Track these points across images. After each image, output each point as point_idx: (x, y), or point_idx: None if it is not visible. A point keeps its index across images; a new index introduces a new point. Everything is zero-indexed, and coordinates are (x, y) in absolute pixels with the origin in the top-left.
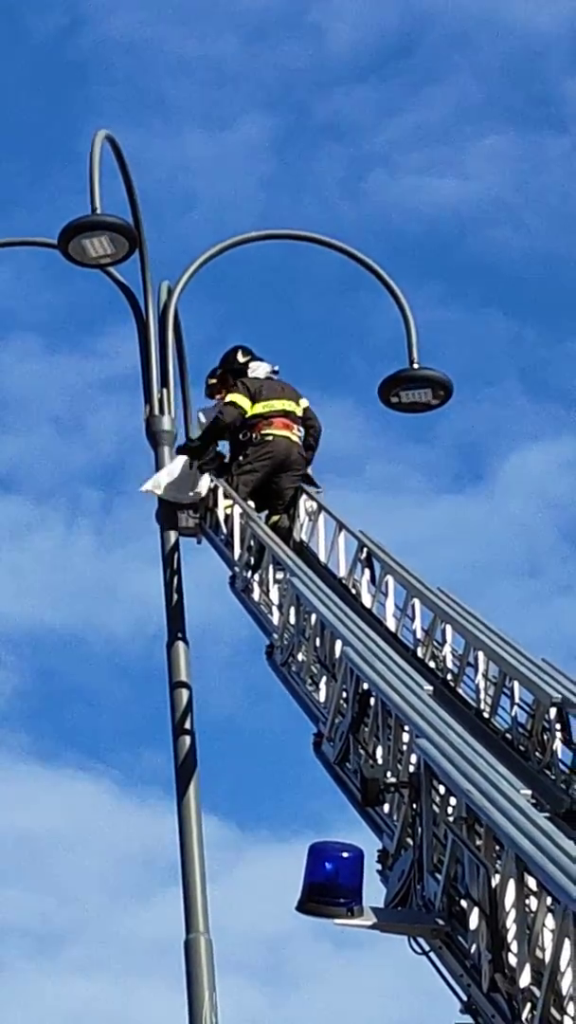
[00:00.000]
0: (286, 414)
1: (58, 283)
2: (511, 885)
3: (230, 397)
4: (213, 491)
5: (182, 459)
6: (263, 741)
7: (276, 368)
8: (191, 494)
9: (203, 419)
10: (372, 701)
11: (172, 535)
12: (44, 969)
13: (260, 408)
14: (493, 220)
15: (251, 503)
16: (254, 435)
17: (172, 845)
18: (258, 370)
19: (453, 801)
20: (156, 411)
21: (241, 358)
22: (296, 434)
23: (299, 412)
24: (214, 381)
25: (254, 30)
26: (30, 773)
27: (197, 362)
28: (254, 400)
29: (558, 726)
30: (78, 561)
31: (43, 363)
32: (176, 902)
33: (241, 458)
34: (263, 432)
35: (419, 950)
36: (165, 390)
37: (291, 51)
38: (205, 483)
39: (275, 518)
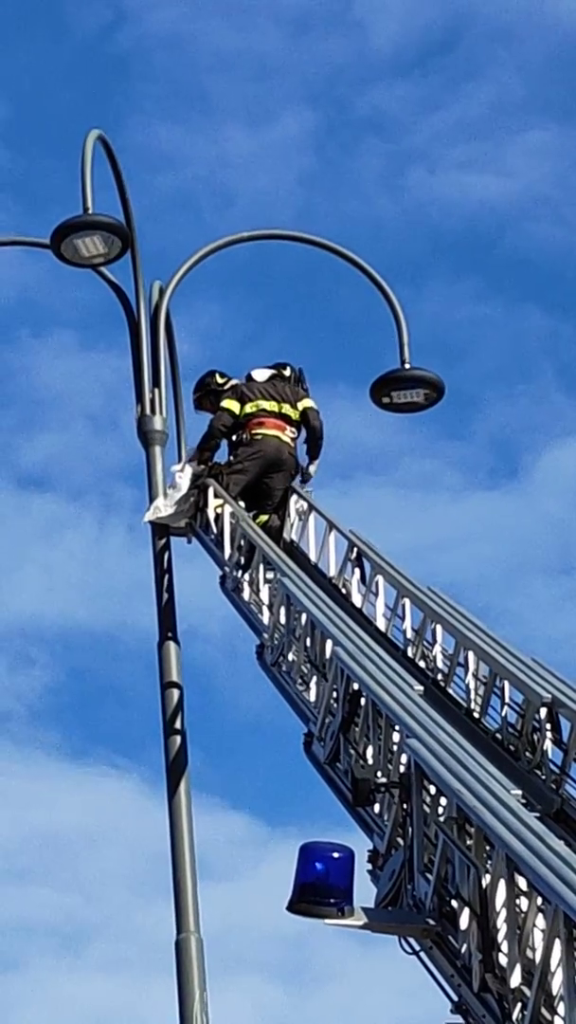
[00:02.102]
0: (278, 415)
1: (93, 280)
2: (501, 885)
3: (222, 403)
4: (203, 490)
5: (182, 483)
6: (294, 738)
7: (284, 372)
8: (183, 524)
9: (178, 480)
10: (362, 701)
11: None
12: (67, 967)
13: (249, 408)
14: (532, 215)
15: (241, 503)
16: (245, 435)
17: (199, 842)
18: (259, 375)
19: (444, 801)
20: (148, 411)
21: (219, 379)
22: (288, 435)
23: (295, 415)
24: (200, 394)
25: (296, 25)
26: (59, 771)
27: (236, 359)
28: (243, 402)
29: (548, 726)
30: (111, 559)
31: (78, 360)
32: (200, 900)
33: (232, 458)
34: (253, 432)
35: (410, 950)
36: (157, 390)
37: (333, 46)
38: (186, 479)
39: (264, 518)
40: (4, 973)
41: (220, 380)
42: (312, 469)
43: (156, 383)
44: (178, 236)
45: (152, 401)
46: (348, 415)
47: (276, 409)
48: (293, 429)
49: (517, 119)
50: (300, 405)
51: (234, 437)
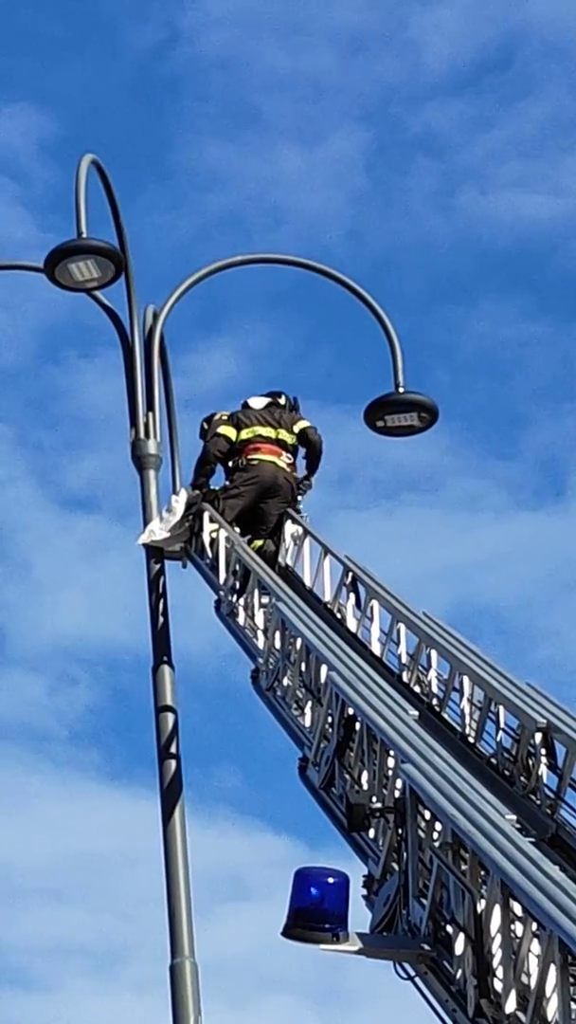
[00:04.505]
0: (274, 441)
1: (144, 301)
2: (496, 911)
3: (218, 429)
4: (199, 515)
5: (178, 508)
6: None
7: (279, 400)
8: (178, 548)
9: (174, 504)
10: (357, 726)
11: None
12: (101, 988)
13: (245, 435)
14: None
15: (237, 528)
16: (241, 460)
17: (235, 863)
18: (256, 402)
19: (438, 826)
20: (142, 435)
21: (222, 418)
22: (284, 460)
23: (291, 440)
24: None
25: (350, 44)
26: (98, 792)
27: (284, 378)
28: (239, 428)
29: (543, 751)
30: None
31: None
32: (235, 920)
33: (228, 483)
34: (249, 457)
35: (405, 975)
36: (151, 414)
37: (386, 65)
38: (181, 503)
39: (260, 543)
40: (40, 994)
41: (222, 417)
42: (311, 481)
43: (150, 407)
44: (225, 255)
45: (146, 425)
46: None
47: (272, 435)
48: (289, 455)
49: (570, 137)
50: (296, 427)
51: (230, 463)
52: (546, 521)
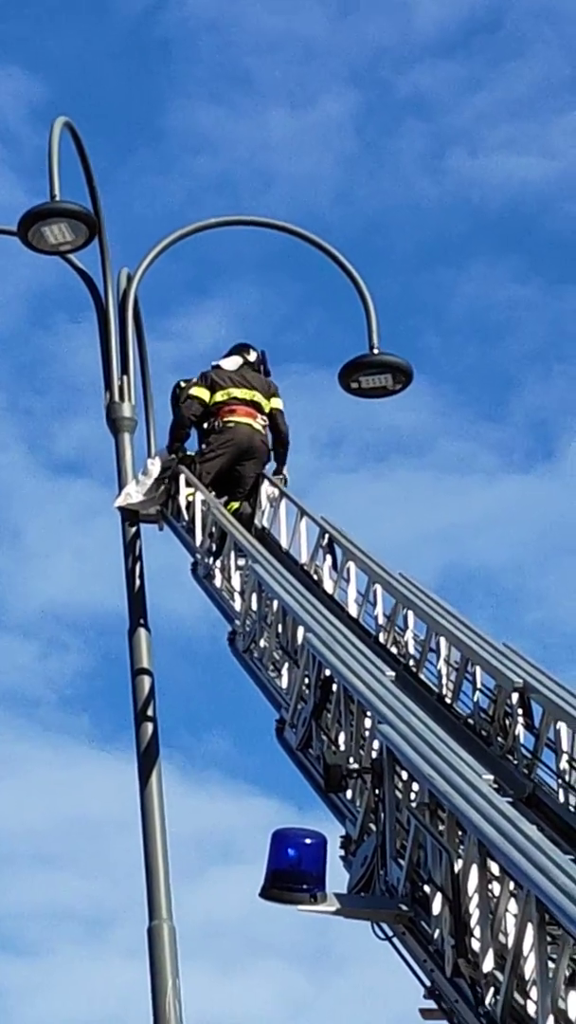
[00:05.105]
0: (249, 403)
1: (132, 264)
2: (474, 870)
3: (191, 391)
4: (175, 478)
5: (153, 470)
6: None
7: (249, 356)
8: (153, 511)
9: (149, 467)
10: (334, 687)
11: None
12: (92, 953)
13: (220, 396)
14: (575, 196)
15: (213, 492)
16: (216, 423)
17: (225, 827)
18: (228, 363)
19: (416, 787)
20: (116, 398)
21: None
22: (260, 423)
23: (266, 406)
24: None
25: (340, 6)
26: (88, 757)
27: (274, 341)
28: (213, 390)
29: (520, 711)
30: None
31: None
32: (222, 884)
33: (204, 446)
34: (225, 420)
35: (382, 935)
36: (125, 377)
37: (377, 27)
38: (157, 466)
39: (236, 505)
40: (30, 958)
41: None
42: (284, 474)
43: (124, 370)
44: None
45: (121, 388)
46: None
47: (247, 397)
48: (264, 417)
49: (561, 98)
50: (270, 404)
51: (205, 425)
52: (536, 483)
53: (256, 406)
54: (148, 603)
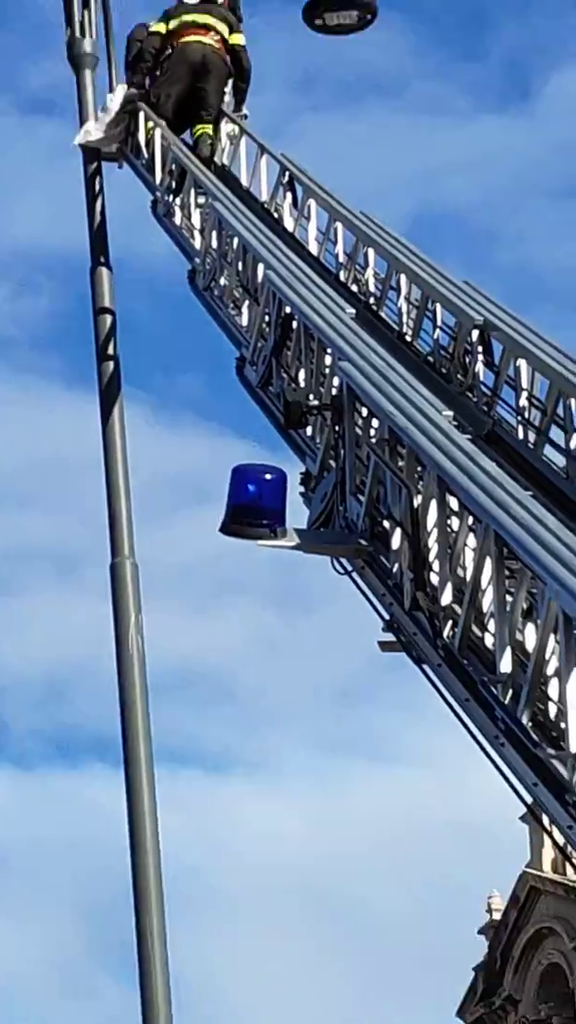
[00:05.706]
0: (201, 25)
1: None
2: (433, 505)
3: (150, 27)
4: (134, 115)
5: (113, 106)
6: None
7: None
8: (114, 148)
9: (109, 103)
10: (294, 324)
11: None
12: (63, 592)
13: (174, 24)
14: None
15: (176, 128)
16: (170, 49)
17: (198, 469)
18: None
19: (375, 423)
20: (78, 33)
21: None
22: (213, 38)
23: (222, 30)
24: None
25: None
26: (59, 398)
27: None
28: (168, 20)
29: (480, 348)
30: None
31: None
32: (194, 525)
33: (159, 72)
34: (177, 43)
35: (342, 570)
36: (87, 11)
37: None
38: (117, 101)
39: (204, 127)
40: (2, 597)
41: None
42: (244, 111)
43: (86, 4)
44: None
45: (82, 23)
46: (357, 36)
47: (201, 21)
48: (217, 35)
49: None
50: (232, 39)
51: (162, 59)
52: (511, 124)
53: (208, 27)
54: (112, 243)
